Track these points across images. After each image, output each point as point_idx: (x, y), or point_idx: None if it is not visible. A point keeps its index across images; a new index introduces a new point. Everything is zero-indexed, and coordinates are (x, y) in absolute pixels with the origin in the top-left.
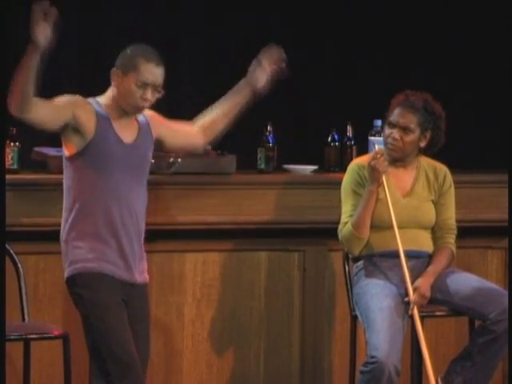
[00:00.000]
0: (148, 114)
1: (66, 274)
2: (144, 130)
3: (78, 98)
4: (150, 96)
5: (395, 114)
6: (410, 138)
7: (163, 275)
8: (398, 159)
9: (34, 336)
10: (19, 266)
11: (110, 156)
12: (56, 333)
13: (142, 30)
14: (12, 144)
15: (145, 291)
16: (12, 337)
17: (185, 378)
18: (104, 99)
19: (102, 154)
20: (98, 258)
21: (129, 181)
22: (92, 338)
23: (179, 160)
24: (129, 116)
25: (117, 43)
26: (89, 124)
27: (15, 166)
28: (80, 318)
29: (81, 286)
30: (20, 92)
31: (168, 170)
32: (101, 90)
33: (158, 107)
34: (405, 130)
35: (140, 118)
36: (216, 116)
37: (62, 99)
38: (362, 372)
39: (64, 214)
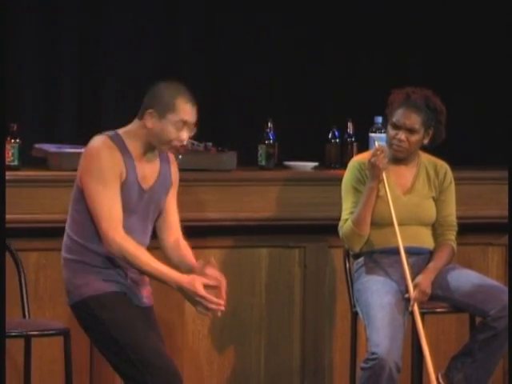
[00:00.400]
0: (172, 160)
1: (73, 299)
2: (164, 172)
3: (110, 152)
4: (186, 136)
5: (399, 115)
6: (415, 138)
7: None
8: (402, 159)
9: (34, 333)
10: (20, 262)
11: (129, 203)
12: (57, 330)
13: (141, 30)
14: (12, 140)
15: (153, 313)
16: (13, 333)
17: (185, 375)
18: (128, 136)
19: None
20: (104, 280)
21: (141, 224)
22: (122, 356)
23: (180, 157)
24: (154, 153)
25: (117, 42)
26: (121, 174)
27: (16, 163)
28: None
29: (96, 308)
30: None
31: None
32: (100, 91)
33: None
34: (410, 130)
35: (163, 157)
36: (182, 254)
37: (111, 178)
38: (362, 368)
39: (66, 235)
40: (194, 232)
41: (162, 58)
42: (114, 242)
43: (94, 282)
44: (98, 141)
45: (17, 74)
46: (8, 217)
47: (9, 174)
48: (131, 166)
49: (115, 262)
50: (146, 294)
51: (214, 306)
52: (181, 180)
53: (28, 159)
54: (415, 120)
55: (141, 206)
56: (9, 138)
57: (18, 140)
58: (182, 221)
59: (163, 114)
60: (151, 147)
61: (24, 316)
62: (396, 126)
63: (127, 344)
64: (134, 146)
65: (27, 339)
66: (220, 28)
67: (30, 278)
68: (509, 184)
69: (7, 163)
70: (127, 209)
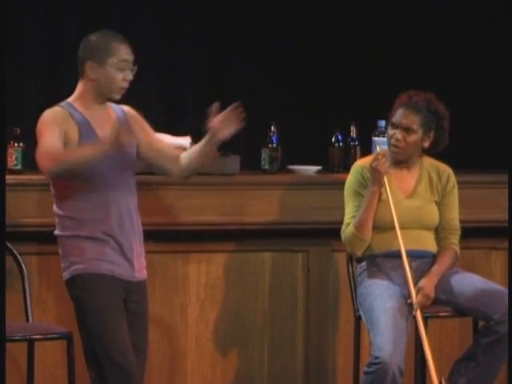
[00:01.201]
0: (126, 109)
1: (64, 276)
2: (121, 119)
3: (58, 114)
4: (130, 76)
5: (398, 115)
6: (412, 138)
7: (167, 276)
8: (402, 161)
9: (37, 336)
10: (23, 266)
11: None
12: (60, 333)
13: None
14: (16, 144)
15: (144, 287)
16: (16, 337)
17: (189, 379)
18: (77, 99)
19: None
20: (96, 259)
21: (119, 181)
22: (90, 342)
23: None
24: (105, 106)
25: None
26: (73, 137)
27: (19, 167)
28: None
29: (79, 288)
30: (65, 170)
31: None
32: None
33: (161, 107)
34: (407, 130)
35: (118, 112)
36: (191, 156)
37: (53, 126)
38: (365, 372)
39: (56, 217)
40: (197, 236)
41: (163, 61)
42: (46, 170)
43: (86, 260)
44: (48, 110)
45: (20, 77)
46: (11, 221)
47: (12, 178)
48: (87, 128)
49: (110, 232)
50: (139, 267)
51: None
52: (184, 184)
53: (31, 163)
54: (413, 120)
55: (110, 160)
56: (12, 142)
57: (21, 144)
58: (184, 224)
59: (103, 61)
60: (102, 100)
61: (27, 320)
62: (394, 126)
63: (96, 333)
64: (84, 105)
65: (30, 343)
66: (222, 31)
67: (33, 282)
68: (509, 188)
69: (10, 167)
70: (96, 169)
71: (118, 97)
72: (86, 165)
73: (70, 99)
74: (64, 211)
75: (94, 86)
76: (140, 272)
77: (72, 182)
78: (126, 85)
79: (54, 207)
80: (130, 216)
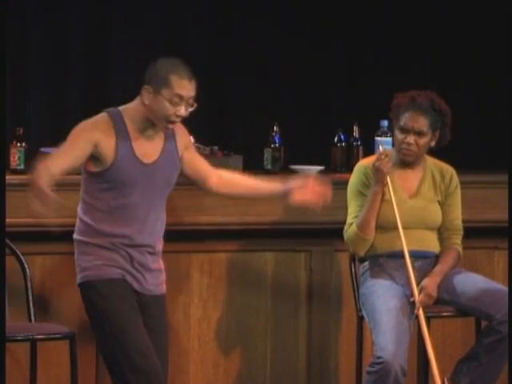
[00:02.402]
0: (176, 127)
1: (78, 280)
2: (169, 148)
3: (97, 124)
4: (184, 111)
5: (407, 119)
6: (423, 140)
7: (170, 275)
8: (410, 163)
9: (40, 337)
10: (26, 266)
11: (128, 179)
12: (62, 333)
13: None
14: (18, 144)
15: (160, 301)
16: (18, 337)
17: (191, 379)
18: (127, 113)
19: (119, 177)
20: (106, 265)
21: (147, 203)
22: (108, 347)
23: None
24: (155, 130)
25: (123, 49)
26: (109, 152)
27: (22, 167)
28: (89, 322)
29: (93, 294)
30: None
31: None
32: (107, 95)
33: None
34: (419, 133)
35: (167, 134)
36: (242, 183)
37: (79, 140)
38: (368, 372)
39: (77, 218)
40: (199, 236)
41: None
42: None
43: (96, 266)
44: (92, 118)
45: (23, 77)
46: (14, 220)
47: (15, 178)
48: (125, 140)
49: (121, 245)
50: (154, 282)
51: None
52: (187, 184)
53: (34, 163)
54: (423, 122)
55: (143, 179)
56: (15, 142)
57: (23, 144)
58: (187, 224)
59: (158, 90)
60: (152, 124)
61: (30, 320)
62: (404, 130)
63: (115, 339)
64: (132, 122)
65: (33, 343)
66: (225, 30)
67: (35, 282)
68: (509, 188)
69: (13, 167)
70: (127, 182)
71: (164, 129)
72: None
73: (122, 108)
74: (85, 216)
75: (145, 109)
76: (154, 286)
77: (103, 193)
78: (176, 119)
79: (78, 209)
80: (150, 238)
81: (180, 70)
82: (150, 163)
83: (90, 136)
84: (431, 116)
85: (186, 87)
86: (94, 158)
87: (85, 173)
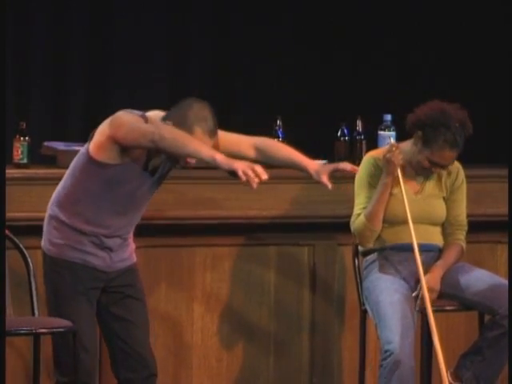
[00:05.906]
0: None
1: (42, 246)
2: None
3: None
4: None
5: (442, 157)
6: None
7: (173, 270)
8: None
9: (43, 330)
10: (29, 260)
11: (129, 182)
12: (65, 327)
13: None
14: (22, 138)
15: (132, 269)
16: (22, 331)
17: (194, 373)
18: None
19: (123, 177)
20: (71, 247)
21: (133, 206)
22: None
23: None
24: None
25: (127, 43)
26: (136, 154)
27: (25, 161)
28: None
29: (50, 267)
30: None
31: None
32: (110, 89)
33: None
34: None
35: None
36: (273, 152)
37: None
38: (381, 366)
39: (56, 194)
40: (203, 229)
41: (171, 59)
42: (158, 133)
43: (60, 245)
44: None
45: (26, 72)
46: (17, 215)
47: (18, 172)
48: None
49: (97, 234)
50: (121, 257)
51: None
52: (190, 178)
53: (37, 157)
54: (454, 158)
55: (141, 187)
56: (18, 136)
57: (27, 138)
58: (190, 219)
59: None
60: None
61: (33, 314)
62: (433, 163)
63: (58, 315)
64: None
65: (36, 337)
66: (229, 26)
67: (39, 276)
68: (509, 183)
69: (16, 161)
70: (127, 185)
71: (178, 167)
72: (182, 154)
73: (148, 114)
74: (70, 196)
75: None
76: (122, 262)
77: (101, 185)
78: (186, 165)
79: (64, 188)
80: (127, 229)
81: (206, 123)
82: (154, 177)
83: None
84: (462, 146)
85: (208, 141)
86: (119, 150)
87: (87, 158)
